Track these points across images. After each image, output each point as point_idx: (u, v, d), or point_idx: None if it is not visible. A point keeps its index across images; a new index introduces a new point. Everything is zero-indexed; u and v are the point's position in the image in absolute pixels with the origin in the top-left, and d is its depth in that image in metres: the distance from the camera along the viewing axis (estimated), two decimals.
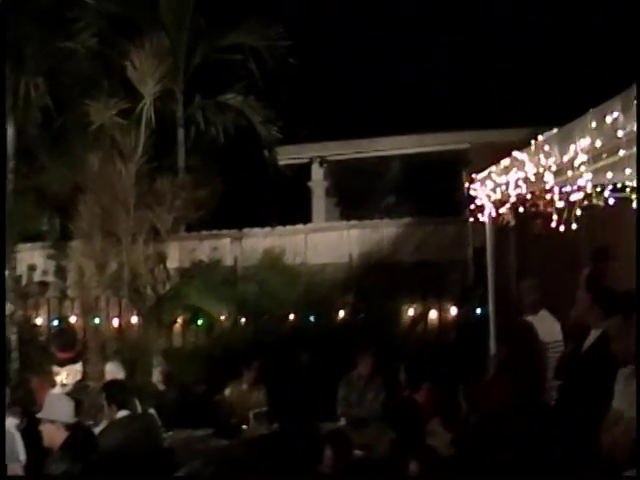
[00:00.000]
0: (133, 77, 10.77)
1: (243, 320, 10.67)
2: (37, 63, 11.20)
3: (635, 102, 4.11)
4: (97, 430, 6.67)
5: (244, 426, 7.81)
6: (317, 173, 15.05)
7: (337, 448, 5.64)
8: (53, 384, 7.45)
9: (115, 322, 11.24)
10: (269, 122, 13.31)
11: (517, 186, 6.23)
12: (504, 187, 6.57)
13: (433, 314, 10.61)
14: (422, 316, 10.69)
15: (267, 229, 12.20)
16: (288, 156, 14.73)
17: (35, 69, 11.16)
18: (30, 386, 8.16)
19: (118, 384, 7.15)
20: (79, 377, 8.26)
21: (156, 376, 8.39)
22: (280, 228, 12.20)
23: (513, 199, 6.63)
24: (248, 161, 14.21)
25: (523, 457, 4.90)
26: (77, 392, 7.49)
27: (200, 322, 10.89)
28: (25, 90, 11.05)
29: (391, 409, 7.32)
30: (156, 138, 11.08)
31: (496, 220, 7.34)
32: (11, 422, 6.61)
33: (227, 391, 8.40)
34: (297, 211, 14.00)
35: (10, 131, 11.36)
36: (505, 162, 6.53)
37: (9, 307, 11.16)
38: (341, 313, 10.60)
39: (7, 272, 11.39)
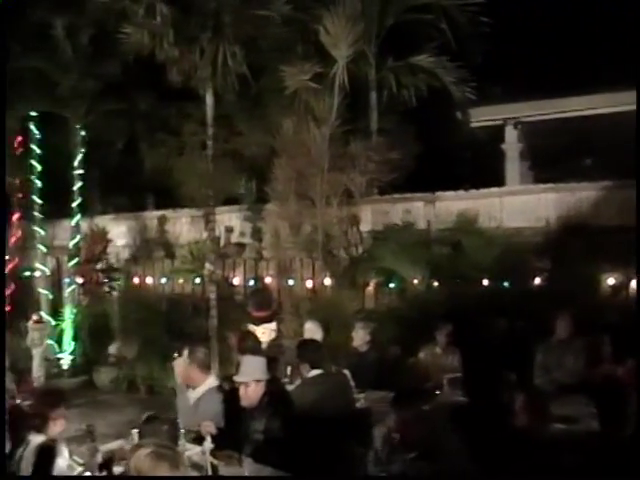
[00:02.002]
0: (326, 41, 10.82)
1: (436, 283, 10.53)
2: (234, 32, 11.47)
3: None
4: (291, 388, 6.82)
5: (437, 391, 7.70)
6: (511, 135, 14.63)
7: (533, 416, 5.38)
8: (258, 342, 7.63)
9: (309, 283, 11.45)
10: (462, 83, 12.97)
11: None
12: None
13: (634, 283, 9.98)
14: (623, 285, 10.10)
15: (460, 192, 11.95)
16: (481, 118, 14.39)
17: (232, 38, 11.44)
18: (229, 342, 8.47)
19: (313, 343, 7.22)
20: (274, 336, 8.47)
21: (359, 338, 8.41)
22: (473, 191, 11.92)
23: None
24: (440, 123, 13.96)
25: None
26: (272, 350, 7.68)
27: (393, 285, 10.86)
28: (223, 58, 11.35)
29: (594, 382, 6.93)
30: (349, 101, 11.11)
31: None
32: (212, 381, 6.86)
33: (421, 354, 8.32)
34: (490, 174, 13.66)
35: (209, 99, 11.76)
36: None
37: (208, 267, 11.63)
38: (537, 279, 10.22)
39: (206, 233, 11.89)
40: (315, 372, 6.59)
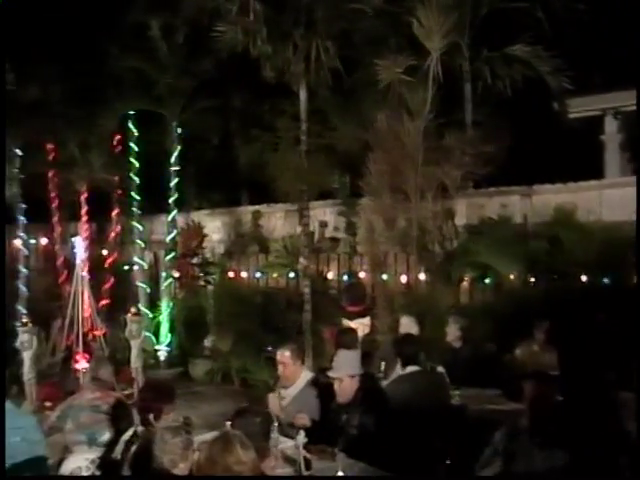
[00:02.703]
0: (419, 33, 10.69)
1: (532, 279, 10.30)
2: (327, 27, 11.47)
3: None
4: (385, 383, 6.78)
5: None
6: (610, 125, 14.18)
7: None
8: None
9: (403, 278, 11.37)
10: (558, 72, 12.62)
11: None
12: None
13: None
14: None
15: (558, 185, 11.67)
16: (579, 108, 13.99)
17: (325, 32, 11.44)
18: (322, 336, 8.49)
19: (410, 339, 7.15)
20: (367, 331, 8.44)
21: (452, 333, 8.31)
22: (572, 184, 11.61)
23: None
24: (537, 114, 13.64)
25: None
26: (365, 345, 7.65)
27: (488, 280, 10.68)
28: (316, 54, 11.36)
29: None
30: (443, 94, 10.96)
31: None
32: (306, 372, 6.88)
33: (517, 351, 8.14)
34: (589, 166, 13.27)
35: (302, 94, 11.80)
36: None
37: (302, 262, 11.69)
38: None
39: (300, 228, 11.94)
40: (412, 368, 6.53)
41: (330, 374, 5.92)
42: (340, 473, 4.94)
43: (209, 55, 13.05)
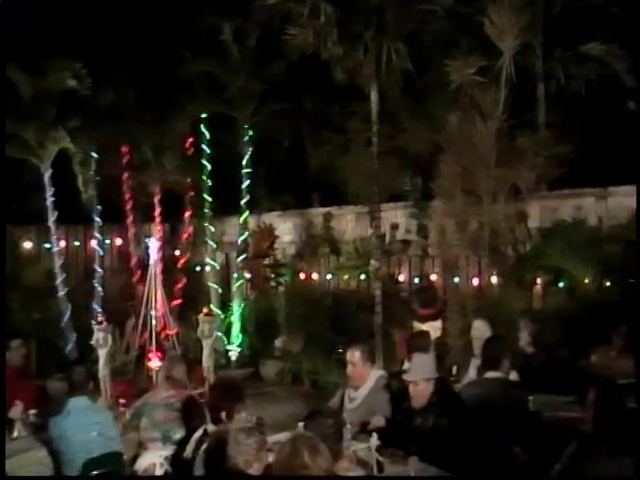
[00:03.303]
0: (491, 33, 10.57)
1: (608, 283, 10.08)
2: (398, 28, 11.44)
3: None
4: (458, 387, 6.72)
5: None
6: None
7: None
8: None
9: (475, 281, 11.26)
10: (635, 71, 12.33)
11: None
12: None
13: None
14: None
15: (634, 187, 11.39)
16: None
17: (396, 33, 11.41)
18: (393, 339, 8.47)
19: (498, 343, 6.91)
20: (439, 334, 8.38)
21: (524, 338, 8.19)
22: None
23: None
24: (612, 114, 13.34)
25: None
26: (438, 348, 7.60)
27: (562, 284, 10.50)
28: (387, 55, 11.34)
29: None
30: (516, 94, 10.82)
31: None
32: (377, 373, 6.86)
33: (594, 357, 7.97)
34: None
35: (373, 96, 11.79)
36: None
37: (374, 264, 11.67)
38: None
39: (371, 230, 11.92)
40: (492, 374, 6.37)
41: (406, 377, 5.90)
42: None
43: (280, 58, 13.15)
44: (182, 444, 6.04)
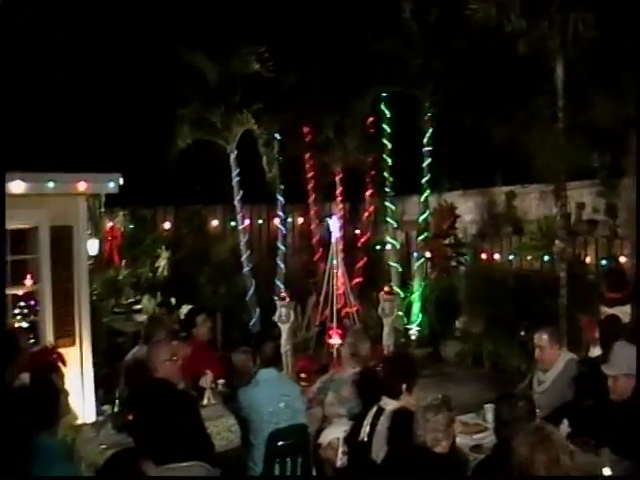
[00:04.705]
0: None
1: None
2: None
3: None
4: None
5: None
6: None
7: None
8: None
9: None
10: None
11: None
12: None
13: None
14: None
15: None
16: None
17: (584, 3, 10.89)
18: (579, 324, 8.15)
19: None
20: (627, 320, 7.98)
21: None
22: None
23: None
24: None
25: None
26: (625, 335, 7.23)
27: None
28: (573, 26, 10.86)
29: None
30: None
31: None
32: (566, 356, 6.65)
33: None
34: None
35: (559, 69, 11.34)
36: None
37: (558, 244, 11.27)
38: None
39: (556, 209, 11.50)
40: None
41: (605, 370, 5.53)
42: (606, 469, 4.75)
43: (461, 34, 12.90)
44: (357, 421, 6.13)
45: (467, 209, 14.68)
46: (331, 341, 12.29)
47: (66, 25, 13.36)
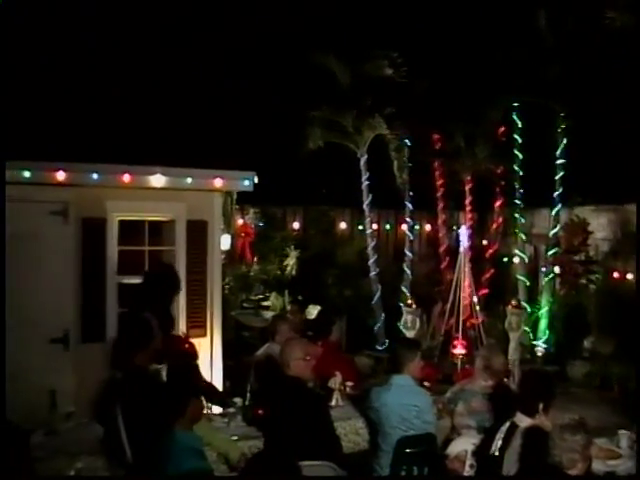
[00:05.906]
0: None
1: None
2: None
3: None
4: None
5: None
6: None
7: None
8: None
9: None
10: None
11: None
12: None
13: None
14: None
15: None
16: None
17: None
18: None
19: None
20: None
21: None
22: None
23: None
24: None
25: None
26: None
27: None
28: None
29: None
30: None
31: None
32: None
33: None
34: None
35: None
36: None
37: None
38: None
39: None
40: None
41: None
42: None
43: (595, 42, 12.50)
44: (488, 435, 5.99)
45: (599, 226, 14.18)
46: (455, 351, 12.13)
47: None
